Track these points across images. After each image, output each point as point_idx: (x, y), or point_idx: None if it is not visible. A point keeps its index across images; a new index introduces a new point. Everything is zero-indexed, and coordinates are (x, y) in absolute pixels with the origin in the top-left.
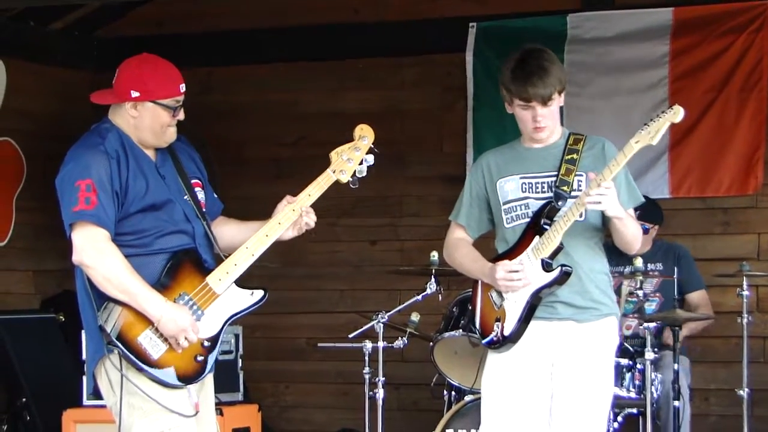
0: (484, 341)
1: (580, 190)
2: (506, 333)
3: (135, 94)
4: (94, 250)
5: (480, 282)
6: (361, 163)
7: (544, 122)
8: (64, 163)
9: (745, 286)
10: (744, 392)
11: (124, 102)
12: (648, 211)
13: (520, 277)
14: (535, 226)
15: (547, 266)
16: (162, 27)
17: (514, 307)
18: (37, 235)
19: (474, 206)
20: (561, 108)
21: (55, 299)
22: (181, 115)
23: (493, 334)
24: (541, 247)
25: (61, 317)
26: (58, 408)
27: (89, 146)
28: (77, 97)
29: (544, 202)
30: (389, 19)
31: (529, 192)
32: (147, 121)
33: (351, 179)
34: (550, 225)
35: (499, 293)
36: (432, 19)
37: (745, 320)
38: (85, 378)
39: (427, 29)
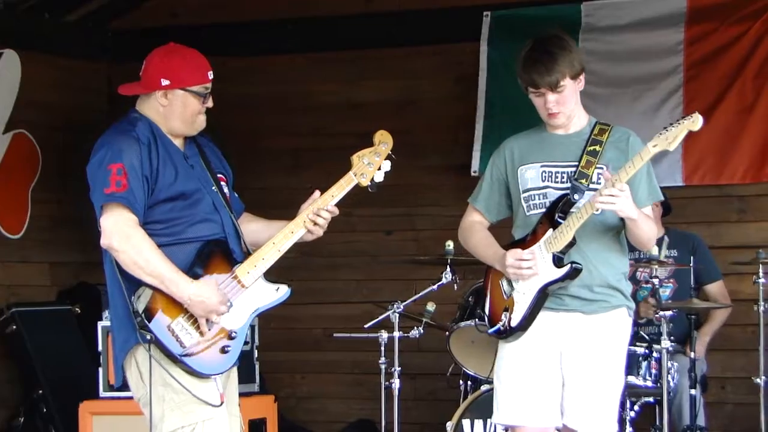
0: (490, 330)
1: (599, 183)
2: (513, 324)
3: (165, 82)
4: (123, 234)
5: (492, 269)
6: (379, 169)
7: (556, 108)
8: (95, 149)
9: (761, 274)
10: (760, 380)
11: (154, 91)
12: None
13: (530, 266)
14: (550, 218)
15: (558, 261)
16: (176, 18)
17: (522, 299)
18: (52, 227)
19: (494, 191)
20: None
21: (71, 291)
22: (209, 103)
23: (501, 323)
24: (554, 241)
25: (77, 309)
26: (75, 400)
27: (121, 132)
28: (92, 89)
29: (561, 193)
30: (403, 8)
31: (548, 181)
32: (178, 108)
33: (370, 184)
34: (564, 218)
35: (510, 282)
36: (446, 9)
37: (761, 308)
38: (101, 370)
39: (442, 19)
